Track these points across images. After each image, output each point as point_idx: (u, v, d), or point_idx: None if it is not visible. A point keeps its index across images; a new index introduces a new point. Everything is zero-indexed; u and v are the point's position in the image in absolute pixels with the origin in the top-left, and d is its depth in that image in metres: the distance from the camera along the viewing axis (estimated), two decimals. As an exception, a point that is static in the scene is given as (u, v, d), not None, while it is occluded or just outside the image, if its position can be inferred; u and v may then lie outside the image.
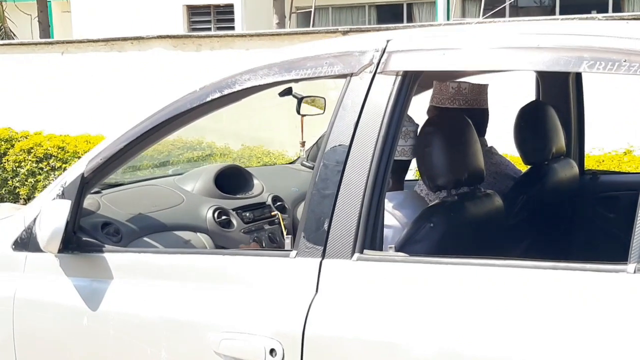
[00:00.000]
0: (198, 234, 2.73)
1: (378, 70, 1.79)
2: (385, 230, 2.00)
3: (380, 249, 1.77)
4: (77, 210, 2.18)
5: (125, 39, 8.86)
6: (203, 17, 15.20)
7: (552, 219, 2.54)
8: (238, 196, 3.03)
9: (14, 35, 16.13)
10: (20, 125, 8.56)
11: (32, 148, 7.88)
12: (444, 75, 2.58)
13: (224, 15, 15.06)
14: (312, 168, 3.42)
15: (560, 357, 1.40)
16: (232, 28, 14.50)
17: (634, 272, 1.37)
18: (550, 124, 2.62)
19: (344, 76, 1.87)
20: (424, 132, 2.05)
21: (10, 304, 2.26)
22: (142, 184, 2.96)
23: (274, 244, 2.95)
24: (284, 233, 2.98)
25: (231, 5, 14.69)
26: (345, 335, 1.67)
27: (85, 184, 2.20)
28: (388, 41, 1.83)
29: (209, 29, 15.00)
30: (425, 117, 2.42)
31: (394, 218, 2.04)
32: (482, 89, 2.66)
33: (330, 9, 16.40)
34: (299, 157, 3.74)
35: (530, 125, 2.59)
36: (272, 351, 1.77)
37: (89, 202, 2.41)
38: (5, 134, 8.32)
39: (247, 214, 2.93)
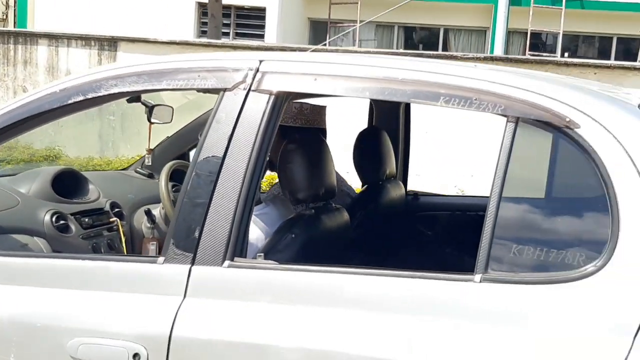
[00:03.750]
0: (35, 238, 2.64)
1: (252, 88, 1.90)
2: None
3: (245, 256, 1.87)
4: None
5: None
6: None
7: (385, 232, 2.79)
8: (75, 201, 2.96)
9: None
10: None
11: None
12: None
13: (248, 20, 13.07)
14: (147, 175, 3.44)
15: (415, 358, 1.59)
16: (261, 36, 12.56)
17: (480, 281, 1.60)
18: (386, 147, 2.87)
19: (216, 91, 1.95)
20: (287, 149, 2.18)
21: None
22: (-28, 183, 2.79)
23: (113, 251, 2.92)
24: (123, 240, 2.96)
25: (262, 9, 12.47)
26: (213, 338, 1.74)
27: None
28: (261, 61, 1.94)
29: (227, 34, 12.94)
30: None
31: (258, 229, 2.14)
32: (322, 110, 2.84)
33: (345, 25, 13.79)
34: (132, 164, 3.71)
35: (368, 148, 2.82)
36: (135, 355, 1.79)
37: None
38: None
39: (86, 220, 2.87)
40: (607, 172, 1.56)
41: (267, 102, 1.87)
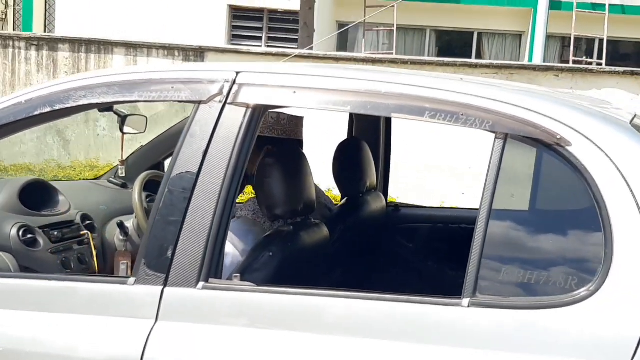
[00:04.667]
0: (1, 253, 2.53)
1: (228, 101, 1.81)
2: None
3: (221, 277, 1.78)
4: None
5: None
6: (251, 23, 12.54)
7: (366, 246, 2.71)
8: (44, 213, 2.84)
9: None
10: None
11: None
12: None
13: (282, 24, 12.51)
14: (120, 185, 3.33)
15: None
16: (294, 40, 11.75)
17: (468, 305, 1.53)
18: (366, 159, 2.80)
19: (190, 102, 1.86)
20: (264, 163, 2.10)
21: None
22: None
23: (84, 265, 2.81)
24: (94, 254, 2.85)
25: (296, 13, 11.42)
26: None
27: None
28: (238, 73, 1.85)
29: (259, 38, 12.39)
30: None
31: (231, 245, 2.05)
32: (299, 121, 2.75)
33: (382, 30, 13.24)
34: (105, 173, 3.60)
35: (348, 159, 2.74)
36: None
37: None
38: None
39: (55, 233, 2.76)
40: (599, 191, 1.50)
41: (244, 116, 1.79)
